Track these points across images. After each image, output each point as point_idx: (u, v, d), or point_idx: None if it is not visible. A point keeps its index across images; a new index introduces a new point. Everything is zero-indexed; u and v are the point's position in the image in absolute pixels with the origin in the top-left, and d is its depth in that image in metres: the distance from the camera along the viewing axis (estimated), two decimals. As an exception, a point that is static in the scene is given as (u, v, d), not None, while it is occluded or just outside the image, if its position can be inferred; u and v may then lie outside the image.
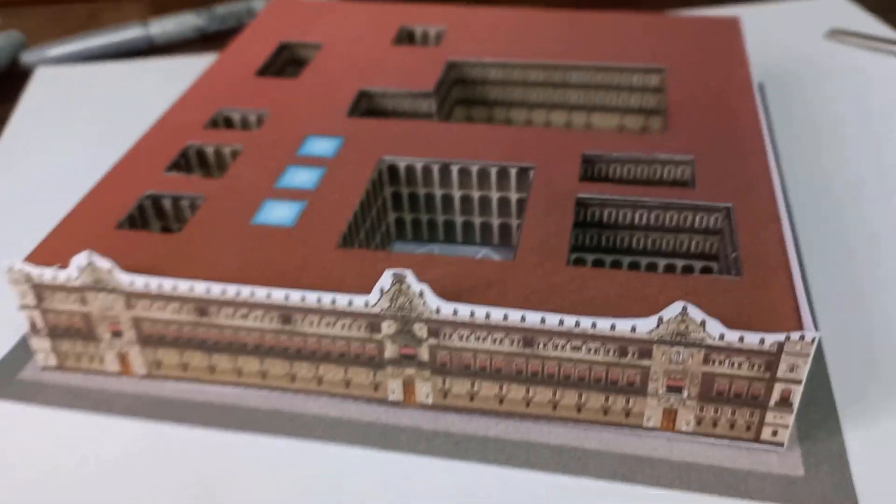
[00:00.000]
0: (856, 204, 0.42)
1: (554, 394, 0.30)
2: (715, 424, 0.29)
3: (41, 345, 0.34)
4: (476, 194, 0.38)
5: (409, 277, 0.28)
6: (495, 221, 0.39)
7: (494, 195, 0.38)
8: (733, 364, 0.27)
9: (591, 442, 0.30)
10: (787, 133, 0.48)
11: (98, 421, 0.32)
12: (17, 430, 0.32)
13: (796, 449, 0.29)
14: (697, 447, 0.30)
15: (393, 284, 0.28)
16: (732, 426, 0.29)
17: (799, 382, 0.27)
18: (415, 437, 0.31)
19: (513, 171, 0.37)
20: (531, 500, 0.28)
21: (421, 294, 0.28)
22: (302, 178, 0.36)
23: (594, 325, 0.28)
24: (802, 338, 0.26)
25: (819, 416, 0.31)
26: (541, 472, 0.29)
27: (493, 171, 0.37)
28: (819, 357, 0.33)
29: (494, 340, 0.29)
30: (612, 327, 0.28)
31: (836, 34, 0.60)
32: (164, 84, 0.56)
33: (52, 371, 0.34)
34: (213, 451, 0.31)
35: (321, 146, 0.39)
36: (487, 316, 0.28)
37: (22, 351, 0.35)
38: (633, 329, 0.27)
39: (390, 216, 0.39)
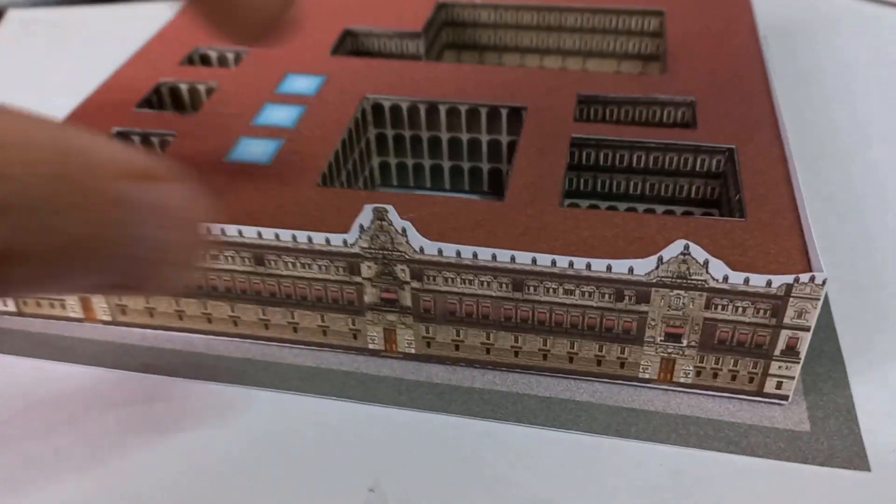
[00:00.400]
0: (861, 152, 0.40)
1: (544, 342, 0.28)
2: (716, 376, 0.28)
3: (-1, 288, 0.32)
4: (465, 137, 0.36)
5: (391, 213, 0.26)
6: (485, 167, 0.37)
7: (484, 138, 0.36)
8: (737, 309, 0.26)
9: (582, 394, 0.28)
10: (790, 83, 0.46)
11: (60, 369, 0.30)
12: (-28, 377, 0.30)
13: (801, 402, 0.28)
14: (696, 400, 0.28)
15: (373, 221, 0.26)
16: (734, 378, 0.27)
17: (807, 329, 0.25)
18: (396, 387, 0.29)
19: (504, 112, 0.35)
20: (518, 455, 0.27)
21: (403, 232, 0.26)
22: (280, 115, 0.34)
23: (589, 267, 0.26)
24: (812, 279, 0.24)
25: (825, 369, 0.29)
26: (529, 426, 0.27)
27: (484, 112, 0.35)
28: (825, 307, 0.31)
29: (482, 283, 0.27)
30: (608, 268, 0.26)
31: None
32: (141, 29, 0.54)
33: (11, 317, 0.32)
34: (182, 401, 0.29)
35: (302, 84, 0.36)
36: (474, 256, 0.26)
37: (-20, 295, 0.33)
38: (631, 270, 0.25)
39: (374, 160, 0.37)
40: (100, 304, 0.31)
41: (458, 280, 0.27)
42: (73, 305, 0.31)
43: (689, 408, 0.28)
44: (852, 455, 0.26)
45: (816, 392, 0.28)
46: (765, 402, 0.27)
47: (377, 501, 0.25)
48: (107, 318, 0.31)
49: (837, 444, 0.26)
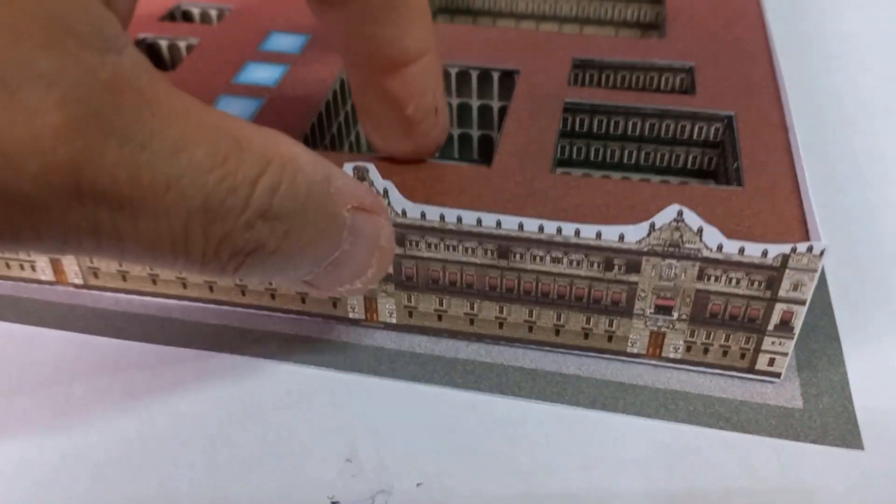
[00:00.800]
0: (862, 124, 0.39)
1: (530, 313, 0.27)
2: (706, 351, 0.27)
3: (-33, 247, 0.30)
4: (455, 101, 0.35)
5: (372, 172, 0.25)
6: (475, 133, 0.36)
7: (475, 103, 0.35)
8: (731, 280, 0.25)
9: (569, 367, 0.27)
10: (792, 51, 0.45)
11: (28, 332, 0.29)
12: (-63, 339, 0.29)
13: (794, 379, 0.27)
14: (686, 375, 0.27)
15: (353, 182, 0.25)
16: (725, 353, 0.26)
17: (803, 303, 0.24)
18: (376, 357, 0.28)
19: (496, 76, 0.34)
20: (501, 427, 0.26)
21: (385, 193, 0.25)
22: (262, 74, 0.33)
23: (577, 233, 0.25)
24: (810, 249, 0.23)
25: (819, 345, 0.28)
26: (513, 398, 0.26)
27: (475, 75, 0.34)
28: (821, 282, 0.30)
29: (466, 250, 0.26)
30: (598, 235, 0.25)
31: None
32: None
33: (-20, 278, 0.31)
34: (155, 368, 0.28)
35: (286, 42, 0.35)
36: (459, 220, 0.25)
37: (-52, 255, 0.32)
38: (622, 237, 0.24)
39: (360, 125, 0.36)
40: (71, 266, 0.30)
41: (442, 246, 0.26)
42: (43, 268, 0.30)
43: (679, 383, 0.27)
44: (845, 433, 0.25)
45: (810, 369, 0.27)
46: (757, 380, 0.26)
47: (354, 471, 0.24)
48: (78, 281, 0.30)
49: (831, 421, 0.25)
